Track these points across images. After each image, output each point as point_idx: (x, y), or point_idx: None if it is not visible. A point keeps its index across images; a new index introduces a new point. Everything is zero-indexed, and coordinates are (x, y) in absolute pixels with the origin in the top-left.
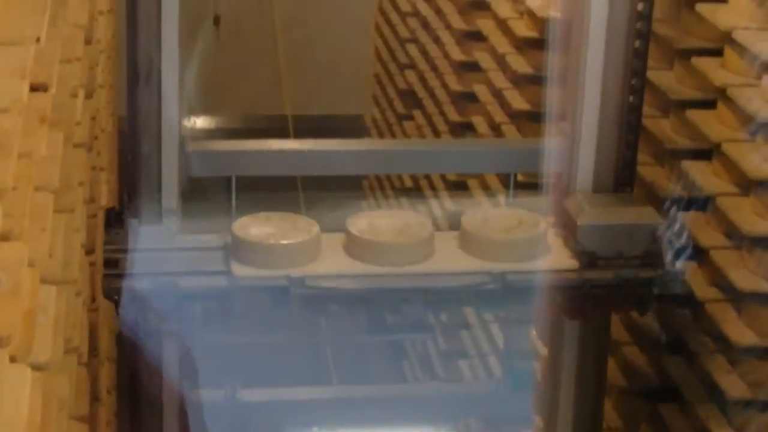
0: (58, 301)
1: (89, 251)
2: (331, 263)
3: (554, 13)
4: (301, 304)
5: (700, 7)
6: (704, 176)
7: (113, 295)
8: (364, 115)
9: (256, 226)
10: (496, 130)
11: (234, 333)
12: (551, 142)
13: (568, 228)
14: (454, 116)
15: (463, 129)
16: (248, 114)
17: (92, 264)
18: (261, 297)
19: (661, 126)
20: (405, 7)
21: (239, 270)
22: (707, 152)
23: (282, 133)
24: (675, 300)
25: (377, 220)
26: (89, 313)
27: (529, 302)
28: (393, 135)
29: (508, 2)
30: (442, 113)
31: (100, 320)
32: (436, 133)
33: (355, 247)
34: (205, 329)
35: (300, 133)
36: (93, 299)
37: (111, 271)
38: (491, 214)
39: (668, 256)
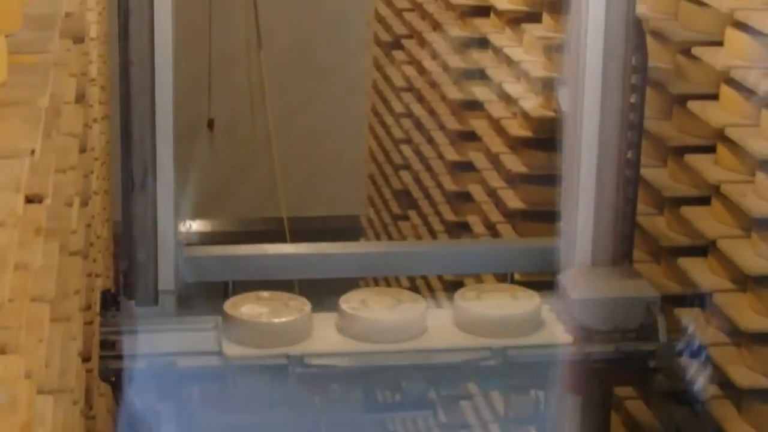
0: (55, 411)
1: (85, 359)
2: (324, 341)
3: (547, 112)
4: (299, 382)
5: (692, 105)
6: (700, 273)
7: (110, 376)
8: (359, 215)
9: (248, 305)
10: (491, 229)
11: (231, 412)
12: (547, 242)
13: (563, 302)
14: (449, 216)
15: (459, 229)
16: (244, 217)
17: (89, 371)
18: (256, 376)
19: (656, 223)
20: (398, 108)
21: (230, 350)
22: (703, 249)
23: (278, 235)
24: (675, 397)
25: (370, 297)
26: (86, 421)
27: (525, 378)
28: (389, 235)
29: (501, 102)
30: (438, 213)
31: (97, 428)
32: (432, 233)
33: (347, 324)
34: (202, 409)
35: (296, 235)
36: (90, 407)
37: (107, 353)
38: (485, 289)
39: (664, 330)
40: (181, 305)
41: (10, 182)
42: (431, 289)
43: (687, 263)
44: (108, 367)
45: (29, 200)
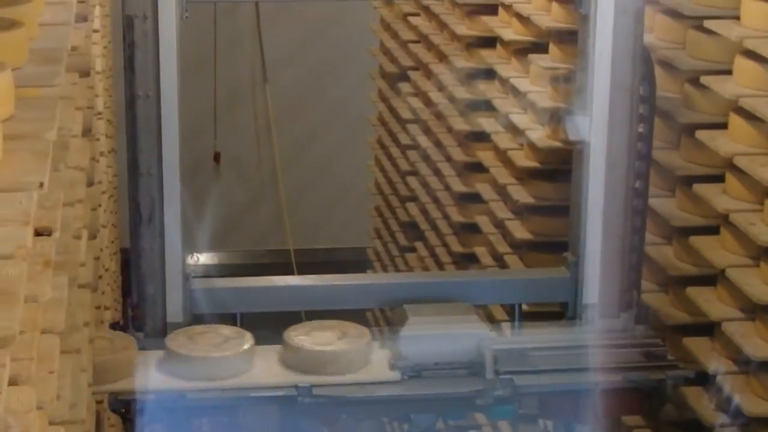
0: None
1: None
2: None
3: (554, 143)
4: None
5: (701, 134)
6: (709, 302)
7: (120, 408)
8: (366, 248)
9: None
10: (499, 260)
11: None
12: (555, 272)
13: (393, 339)
14: (456, 247)
15: (467, 260)
16: (251, 249)
17: (99, 402)
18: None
19: (665, 253)
20: (405, 139)
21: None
22: (712, 278)
23: (285, 267)
24: (683, 426)
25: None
26: None
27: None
28: (396, 267)
29: (508, 133)
30: (445, 244)
31: None
32: (439, 265)
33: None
34: None
35: (303, 267)
36: None
37: None
38: (315, 326)
39: (491, 366)
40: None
41: (18, 215)
42: None
43: (695, 292)
44: (118, 398)
45: (38, 233)
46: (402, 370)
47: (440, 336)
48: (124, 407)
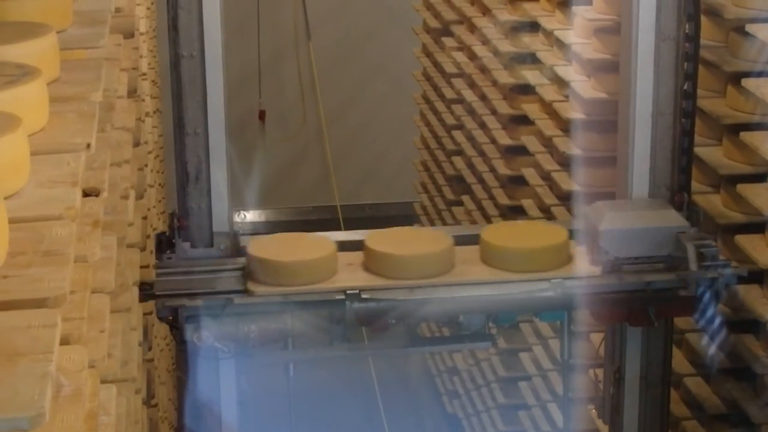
0: (118, 400)
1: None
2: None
3: (600, 94)
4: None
5: (747, 82)
6: (756, 250)
7: (167, 315)
8: (413, 202)
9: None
10: (546, 212)
11: (285, 347)
12: None
13: (591, 235)
14: (503, 200)
15: (514, 212)
16: (298, 206)
17: (149, 361)
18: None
19: (712, 201)
20: (449, 94)
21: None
22: (760, 226)
23: (332, 224)
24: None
25: (395, 235)
26: (149, 410)
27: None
28: (443, 221)
29: (553, 85)
30: (492, 197)
31: (160, 416)
32: (487, 218)
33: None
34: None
35: (350, 223)
36: (152, 395)
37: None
38: (511, 225)
39: (694, 259)
40: None
41: (67, 176)
42: None
43: (743, 240)
44: (165, 305)
45: (86, 194)
46: (603, 265)
47: (638, 230)
48: (171, 314)
